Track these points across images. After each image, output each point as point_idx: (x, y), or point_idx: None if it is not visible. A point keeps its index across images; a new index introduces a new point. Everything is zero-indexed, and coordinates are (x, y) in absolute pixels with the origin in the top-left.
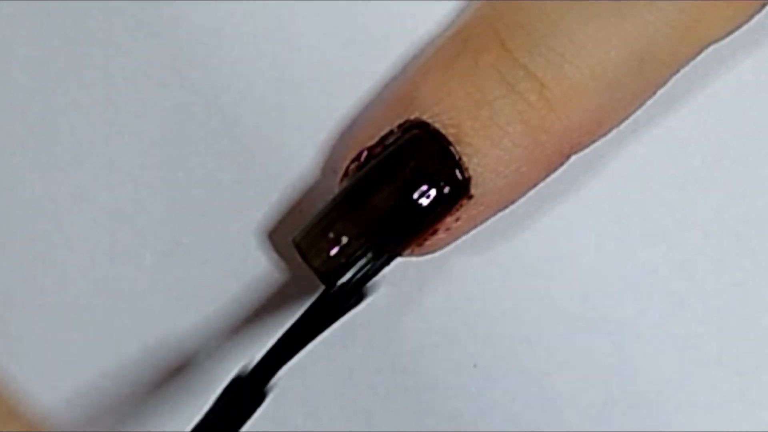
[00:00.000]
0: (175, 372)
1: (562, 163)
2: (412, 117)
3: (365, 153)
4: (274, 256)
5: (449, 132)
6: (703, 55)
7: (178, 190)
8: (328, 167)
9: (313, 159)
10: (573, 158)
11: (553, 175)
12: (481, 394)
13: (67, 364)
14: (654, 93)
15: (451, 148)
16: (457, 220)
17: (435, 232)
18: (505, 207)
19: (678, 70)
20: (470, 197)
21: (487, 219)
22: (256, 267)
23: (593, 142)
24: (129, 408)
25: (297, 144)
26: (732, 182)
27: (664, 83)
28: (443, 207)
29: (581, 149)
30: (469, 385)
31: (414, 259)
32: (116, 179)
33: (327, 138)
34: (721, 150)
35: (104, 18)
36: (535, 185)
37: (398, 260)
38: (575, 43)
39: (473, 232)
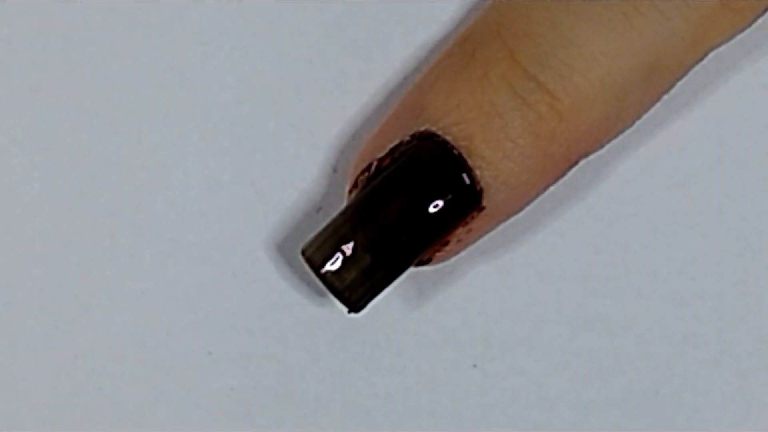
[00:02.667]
0: (174, 372)
1: (569, 169)
2: (422, 128)
3: (375, 164)
4: (279, 260)
5: (461, 144)
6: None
7: (182, 197)
8: (335, 172)
9: (320, 164)
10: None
11: None
12: (480, 394)
13: (65, 363)
14: (660, 98)
15: (463, 161)
16: (468, 231)
17: (446, 243)
18: (515, 215)
19: (684, 76)
20: (481, 209)
21: (496, 227)
22: (261, 272)
23: (601, 147)
24: (128, 408)
25: (304, 149)
26: (732, 182)
27: (671, 88)
28: (454, 219)
29: (588, 155)
30: (468, 385)
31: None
32: (116, 178)
33: (334, 144)
34: (722, 149)
35: (105, 12)
36: (543, 192)
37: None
38: (585, 55)
39: None
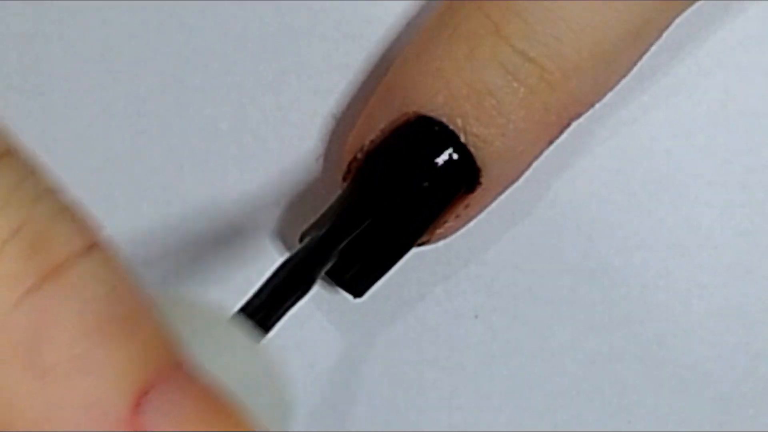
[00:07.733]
0: None
1: (563, 131)
2: (412, 110)
3: (366, 149)
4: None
5: (455, 124)
6: (708, 4)
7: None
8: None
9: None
10: None
11: None
12: (482, 345)
13: None
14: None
15: (458, 141)
16: (467, 207)
17: (445, 221)
18: (512, 185)
19: (669, 26)
20: (478, 185)
21: (495, 199)
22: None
23: (592, 107)
24: None
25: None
26: (737, 132)
27: (657, 40)
28: (452, 199)
29: (581, 116)
30: (469, 336)
31: None
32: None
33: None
34: (727, 99)
35: None
36: (539, 156)
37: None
38: (571, 27)
39: None
